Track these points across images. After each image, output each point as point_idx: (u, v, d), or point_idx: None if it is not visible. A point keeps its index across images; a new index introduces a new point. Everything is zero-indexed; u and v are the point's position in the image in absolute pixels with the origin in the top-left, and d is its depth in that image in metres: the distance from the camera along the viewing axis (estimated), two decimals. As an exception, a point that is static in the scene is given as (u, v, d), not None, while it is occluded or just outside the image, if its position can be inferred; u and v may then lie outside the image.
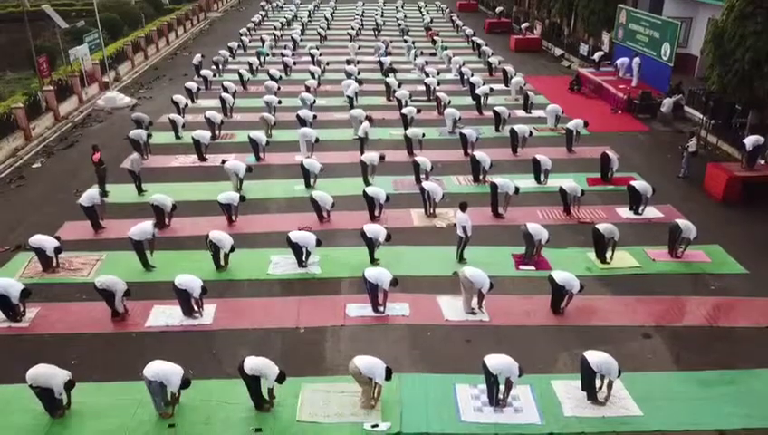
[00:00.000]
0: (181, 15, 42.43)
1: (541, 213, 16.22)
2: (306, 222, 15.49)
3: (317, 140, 19.84)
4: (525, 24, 39.21)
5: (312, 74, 27.19)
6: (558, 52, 35.82)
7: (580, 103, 26.09)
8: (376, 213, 15.70)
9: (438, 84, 26.71)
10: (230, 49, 34.28)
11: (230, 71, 31.15)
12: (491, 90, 25.14)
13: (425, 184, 15.92)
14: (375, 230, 13.40)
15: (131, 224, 13.80)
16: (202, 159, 19.62)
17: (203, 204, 16.17)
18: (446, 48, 34.81)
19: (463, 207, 13.47)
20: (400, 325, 11.59)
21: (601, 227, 13.73)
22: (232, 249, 13.29)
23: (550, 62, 34.61)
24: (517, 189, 15.90)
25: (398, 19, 44.55)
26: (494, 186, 15.84)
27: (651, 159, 20.24)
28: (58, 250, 13.21)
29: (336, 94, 26.96)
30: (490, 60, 30.77)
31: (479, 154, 17.90)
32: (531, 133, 20.53)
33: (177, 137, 21.48)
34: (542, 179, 17.93)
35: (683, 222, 14.06)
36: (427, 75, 27.97)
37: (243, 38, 37.07)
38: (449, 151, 20.49)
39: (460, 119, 22.19)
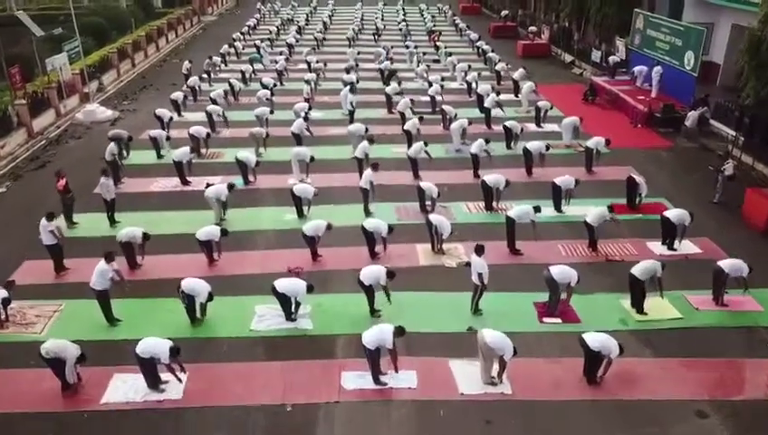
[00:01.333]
0: (173, 20, 40.58)
1: (563, 248, 14.37)
2: (298, 260, 13.65)
3: (312, 159, 17.96)
4: (532, 29, 37.22)
5: (308, 81, 25.20)
6: (568, 58, 33.98)
7: (595, 115, 24.21)
8: (377, 248, 13.85)
9: (442, 88, 24.87)
10: (222, 56, 32.46)
11: (222, 79, 29.30)
12: (498, 103, 23.19)
13: (431, 217, 14.03)
14: (374, 275, 11.54)
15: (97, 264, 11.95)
16: (185, 182, 17.75)
17: (183, 239, 14.26)
18: (450, 54, 32.99)
19: (479, 251, 11.59)
20: (406, 401, 9.73)
21: (637, 270, 11.85)
22: (210, 298, 11.46)
23: (560, 70, 32.75)
24: (533, 222, 14.09)
25: (398, 23, 42.61)
26: (510, 221, 13.95)
27: (678, 181, 18.38)
28: (6, 302, 11.34)
29: (334, 106, 25.10)
30: (498, 68, 28.87)
31: (491, 178, 16.00)
32: (547, 148, 18.65)
33: (159, 156, 19.61)
34: (563, 207, 16.06)
35: (728, 264, 12.20)
36: (430, 84, 26.06)
37: (236, 43, 35.19)
38: (457, 173, 18.64)
39: (468, 126, 20.61)
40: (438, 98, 24.48)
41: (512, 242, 14.08)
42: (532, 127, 22.60)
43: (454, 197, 16.88)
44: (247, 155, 17.88)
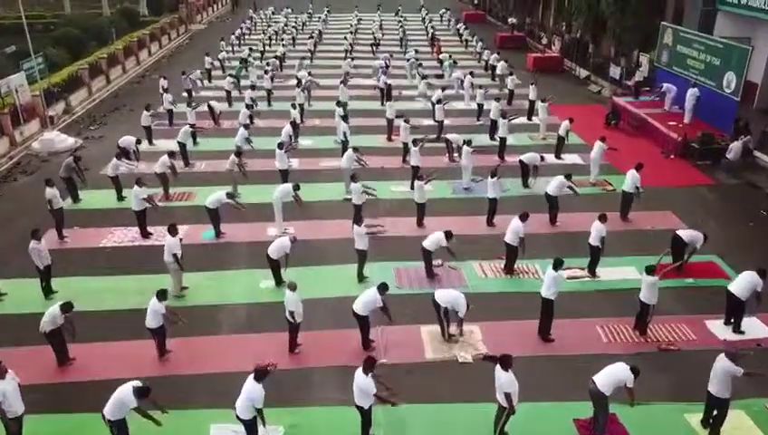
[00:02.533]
0: (156, 30, 37.79)
1: (603, 331, 11.56)
2: (272, 347, 10.87)
3: (297, 188, 15.10)
4: (544, 40, 34.37)
5: (294, 105, 22.26)
6: (583, 73, 31.18)
7: (620, 143, 21.18)
8: (372, 334, 11.05)
9: (443, 103, 22.21)
10: (207, 72, 29.66)
11: (204, 98, 26.50)
12: (507, 122, 20.19)
13: (440, 296, 11.05)
14: (364, 387, 8.69)
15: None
16: (145, 234, 14.94)
17: (133, 319, 11.42)
18: (454, 62, 30.19)
19: (505, 364, 8.64)
20: None
21: (713, 388, 8.92)
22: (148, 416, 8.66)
23: (575, 86, 29.95)
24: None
25: (398, 31, 39.78)
26: (547, 305, 11.06)
27: (729, 230, 15.56)
28: None
29: (326, 131, 22.30)
30: (510, 87, 26.03)
31: (510, 235, 13.16)
32: (571, 189, 15.89)
33: (120, 198, 16.79)
34: (596, 271, 13.26)
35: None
36: (434, 104, 23.13)
37: (222, 52, 32.24)
38: (467, 220, 15.82)
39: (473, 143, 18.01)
40: (439, 116, 21.71)
41: (543, 325, 11.24)
42: (549, 157, 19.71)
43: (463, 252, 14.06)
44: (220, 198, 14.82)
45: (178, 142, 19.14)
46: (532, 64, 32.34)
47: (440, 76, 30.56)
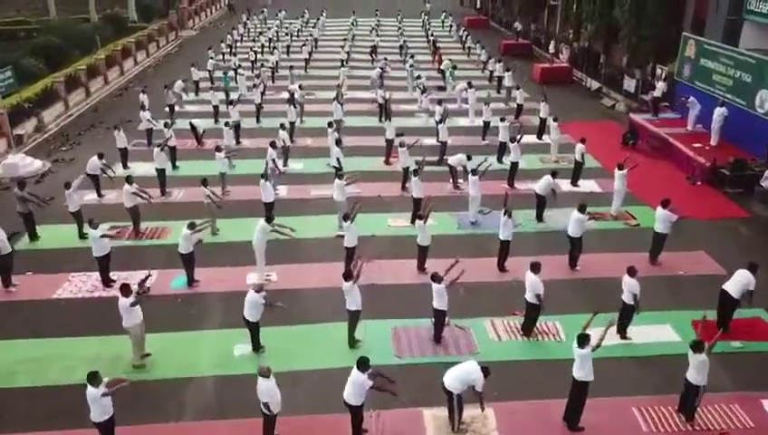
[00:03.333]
0: (142, 37, 35.89)
1: (640, 414, 9.66)
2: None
3: (277, 228, 13.17)
4: (552, 45, 32.47)
5: (283, 126, 19.91)
6: (594, 85, 29.29)
7: (639, 166, 19.51)
8: (366, 423, 9.15)
9: (445, 120, 20.21)
10: (195, 84, 27.75)
11: (188, 114, 24.68)
12: (514, 139, 18.22)
13: (451, 380, 9.09)
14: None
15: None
16: (107, 282, 13.04)
17: (80, 397, 9.49)
18: (454, 67, 28.30)
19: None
20: None
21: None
22: None
23: (586, 100, 28.06)
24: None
25: (398, 37, 37.84)
26: (580, 388, 9.13)
27: (772, 274, 13.71)
28: None
29: (318, 152, 20.41)
30: (519, 101, 24.12)
31: (530, 282, 11.25)
32: (554, 174, 14.62)
33: (81, 235, 14.88)
34: (627, 333, 11.37)
35: None
36: (438, 123, 21.26)
37: (211, 61, 30.27)
38: (475, 263, 13.80)
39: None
40: (445, 136, 19.84)
41: (571, 412, 9.33)
42: (564, 184, 17.84)
43: (472, 306, 12.21)
44: (189, 242, 12.93)
45: (156, 169, 17.23)
46: (539, 76, 30.42)
47: (442, 88, 28.71)
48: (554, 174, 15.46)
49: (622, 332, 11.28)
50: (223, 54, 33.69)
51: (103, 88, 29.04)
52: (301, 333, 11.51)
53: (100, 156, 17.00)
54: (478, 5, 51.05)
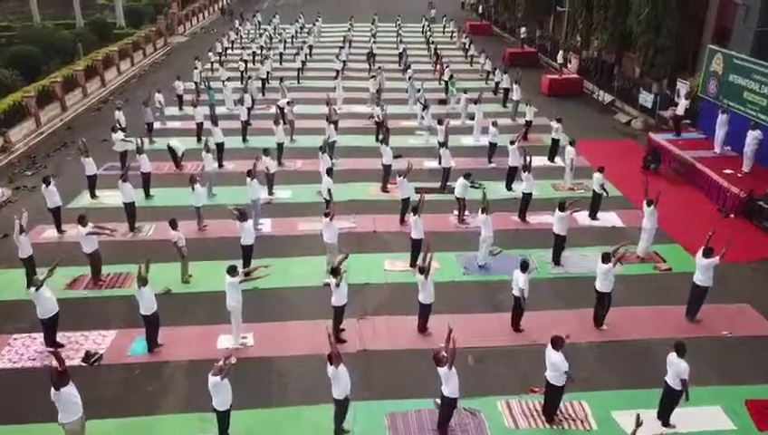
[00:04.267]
0: (126, 45, 33.95)
1: None
2: None
3: (245, 275, 11.33)
4: (561, 55, 30.50)
5: (266, 152, 17.53)
6: (607, 98, 27.38)
7: (663, 194, 17.64)
8: None
9: (445, 145, 18.21)
10: (179, 99, 25.83)
11: (169, 132, 22.79)
12: (527, 168, 15.99)
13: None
14: None
15: None
16: (53, 346, 11.10)
17: None
18: (451, 76, 26.37)
19: None
20: None
21: None
22: None
23: (598, 114, 26.12)
24: None
25: (396, 45, 35.83)
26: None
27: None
28: None
29: (309, 177, 18.48)
30: (528, 117, 22.15)
31: (552, 361, 9.33)
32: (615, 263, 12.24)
33: (31, 285, 12.87)
34: (671, 419, 9.45)
35: None
36: (441, 145, 19.38)
37: (197, 70, 28.33)
38: (486, 321, 12.06)
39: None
40: (448, 162, 17.91)
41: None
42: (582, 218, 15.93)
43: (483, 382, 10.29)
44: (150, 299, 10.99)
45: (124, 204, 15.30)
46: (547, 88, 28.54)
47: (443, 101, 26.81)
48: (562, 206, 13.52)
49: (665, 418, 9.37)
50: (212, 64, 31.80)
51: (81, 101, 27.11)
52: (279, 417, 9.60)
53: (46, 182, 14.88)
54: (480, 10, 49.09)
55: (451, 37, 42.18)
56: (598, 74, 28.65)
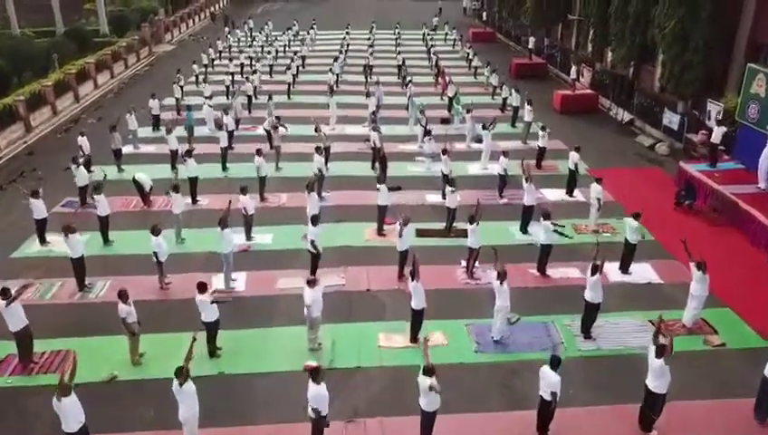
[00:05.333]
0: (105, 56, 31.53)
1: None
2: None
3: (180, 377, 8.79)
4: (574, 70, 28.06)
5: (243, 190, 14.88)
6: (626, 116, 25.00)
7: (698, 237, 15.27)
8: None
9: (452, 183, 15.69)
10: (154, 119, 23.42)
11: (141, 160, 20.45)
12: (548, 216, 13.52)
13: None
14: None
15: None
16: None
17: None
18: (459, 99, 24.00)
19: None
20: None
21: None
22: None
23: (616, 135, 23.74)
24: None
25: (396, 55, 33.41)
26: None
27: None
28: None
29: (295, 215, 16.02)
30: (541, 143, 19.71)
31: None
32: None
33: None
34: None
35: None
36: (446, 179, 17.05)
37: (177, 85, 25.91)
38: (505, 422, 9.67)
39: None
40: (454, 202, 15.45)
41: None
42: (613, 272, 13.55)
43: None
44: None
45: (71, 259, 12.89)
46: (560, 104, 26.17)
47: (446, 120, 24.45)
48: (595, 269, 11.11)
49: None
50: (196, 77, 29.38)
51: (49, 121, 24.72)
52: None
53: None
54: (484, 17, 46.71)
55: (453, 46, 39.90)
56: (616, 90, 26.19)
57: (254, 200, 15.78)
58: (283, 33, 40.31)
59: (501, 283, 10.99)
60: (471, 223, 13.01)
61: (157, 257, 12.73)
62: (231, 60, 30.66)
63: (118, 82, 31.48)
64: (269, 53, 33.65)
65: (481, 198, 15.61)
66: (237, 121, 23.26)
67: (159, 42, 41.14)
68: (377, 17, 48.26)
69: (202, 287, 10.58)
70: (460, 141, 22.01)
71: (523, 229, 15.45)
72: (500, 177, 17.43)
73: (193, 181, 17.03)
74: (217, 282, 13.12)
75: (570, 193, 17.69)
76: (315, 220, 13.13)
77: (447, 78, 26.76)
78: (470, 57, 34.12)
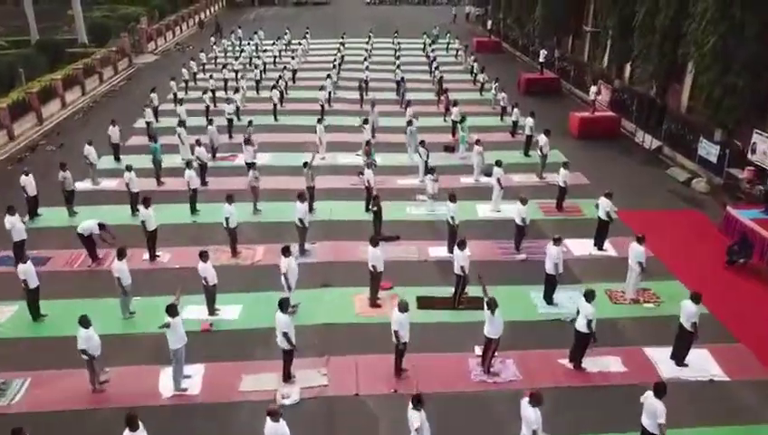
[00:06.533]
0: (75, 71, 28.72)
1: None
2: None
3: None
4: (594, 91, 25.14)
5: (204, 256, 11.98)
6: (654, 142, 22.21)
7: (758, 304, 12.58)
8: None
9: (461, 244, 12.58)
10: (114, 148, 20.66)
11: (99, 198, 17.76)
12: (591, 296, 10.67)
13: None
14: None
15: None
16: None
17: None
18: (463, 119, 21.23)
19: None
20: None
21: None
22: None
23: (643, 165, 20.88)
24: None
25: (396, 69, 30.60)
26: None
27: None
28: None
29: (269, 278, 13.20)
30: (561, 182, 16.84)
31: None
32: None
33: None
34: None
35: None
36: (451, 226, 14.37)
37: (149, 108, 23.12)
38: None
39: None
40: (464, 261, 12.56)
41: None
42: (665, 361, 10.82)
43: None
44: None
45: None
46: (577, 129, 23.37)
47: (450, 149, 21.70)
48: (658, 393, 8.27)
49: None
50: (175, 95, 26.56)
51: (4, 148, 21.93)
52: None
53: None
54: (489, 26, 43.89)
55: (456, 56, 37.15)
56: (643, 113, 23.24)
57: (214, 272, 12.54)
58: (274, 43, 37.49)
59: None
60: (488, 309, 10.23)
61: (87, 353, 9.95)
62: (212, 77, 27.81)
63: (89, 100, 28.66)
64: (256, 66, 30.79)
65: (494, 253, 12.78)
66: (214, 151, 20.54)
67: (141, 52, 38.36)
68: (375, 23, 45.84)
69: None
70: (466, 174, 19.33)
71: (548, 298, 12.67)
72: (517, 227, 14.62)
73: (151, 236, 14.23)
74: (167, 379, 10.37)
75: (599, 246, 14.91)
76: (284, 306, 10.23)
77: (452, 101, 23.90)
78: (475, 70, 31.36)
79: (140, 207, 14.19)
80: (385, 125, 23.53)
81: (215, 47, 36.49)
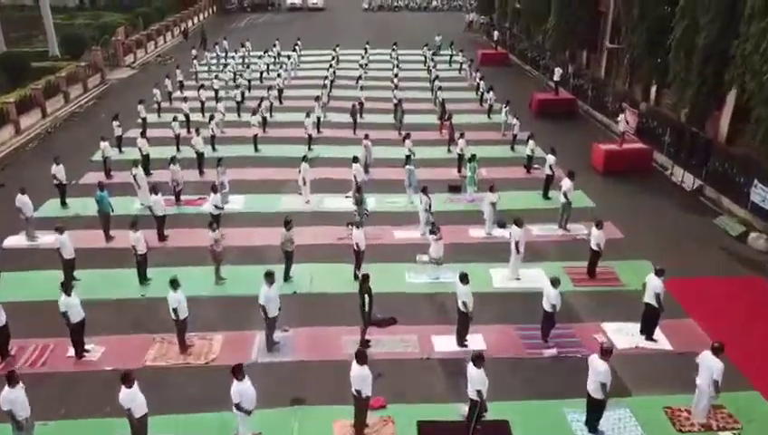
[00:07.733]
0: (35, 91, 25.49)
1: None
2: None
3: None
4: (623, 120, 21.68)
5: (125, 380, 8.75)
6: (694, 181, 19.01)
7: None
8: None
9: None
10: (60, 189, 17.54)
11: (38, 257, 14.67)
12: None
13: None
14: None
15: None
16: None
17: None
18: (473, 157, 17.98)
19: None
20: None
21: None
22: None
23: (679, 211, 17.64)
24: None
25: (393, 88, 27.38)
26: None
27: None
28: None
29: (223, 394, 10.02)
30: (594, 239, 13.56)
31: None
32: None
33: None
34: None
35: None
36: (464, 324, 11.25)
37: (107, 144, 19.72)
38: None
39: None
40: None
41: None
42: None
43: None
44: None
45: None
46: (602, 163, 20.17)
47: (455, 188, 18.57)
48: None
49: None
50: (143, 121, 23.30)
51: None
52: None
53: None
54: (495, 38, 40.61)
55: (460, 71, 33.97)
56: (682, 147, 19.93)
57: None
58: (261, 57, 34.27)
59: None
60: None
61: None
62: (186, 99, 24.64)
63: (50, 124, 25.49)
64: (238, 86, 27.56)
65: (517, 341, 9.61)
66: (178, 194, 17.43)
67: (117, 66, 35.18)
68: (372, 32, 42.84)
69: None
70: (475, 223, 16.23)
71: (592, 427, 9.51)
72: (545, 314, 11.44)
73: (77, 328, 11.07)
74: None
75: (648, 335, 11.74)
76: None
77: (457, 134, 20.73)
78: (481, 89, 28.22)
79: (61, 296, 10.96)
80: (381, 157, 20.44)
81: (195, 61, 33.23)
